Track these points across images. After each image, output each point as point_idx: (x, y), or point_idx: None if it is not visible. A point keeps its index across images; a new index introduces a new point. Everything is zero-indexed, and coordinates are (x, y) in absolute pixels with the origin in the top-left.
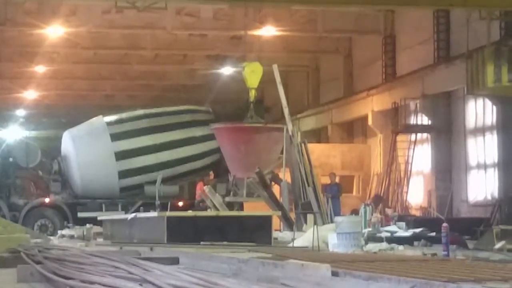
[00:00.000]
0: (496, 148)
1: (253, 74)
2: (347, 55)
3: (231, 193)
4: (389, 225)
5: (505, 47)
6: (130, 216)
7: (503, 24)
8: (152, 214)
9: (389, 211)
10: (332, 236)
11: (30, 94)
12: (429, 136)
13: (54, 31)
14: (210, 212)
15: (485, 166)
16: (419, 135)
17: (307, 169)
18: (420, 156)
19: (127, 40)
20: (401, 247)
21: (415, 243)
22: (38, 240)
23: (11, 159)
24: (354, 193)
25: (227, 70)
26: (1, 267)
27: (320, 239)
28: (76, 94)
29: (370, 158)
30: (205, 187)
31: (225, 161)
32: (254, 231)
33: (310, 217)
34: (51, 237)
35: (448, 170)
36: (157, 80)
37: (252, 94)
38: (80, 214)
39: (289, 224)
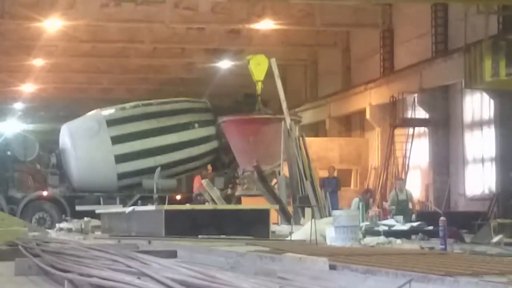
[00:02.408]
0: (493, 142)
1: (259, 67)
2: (345, 49)
3: (242, 187)
4: (387, 219)
5: (503, 41)
6: (128, 209)
7: (501, 18)
8: (150, 207)
9: (386, 205)
10: (330, 230)
11: (28, 88)
12: (426, 130)
13: (52, 24)
14: (208, 206)
15: (482, 160)
16: (416, 129)
17: (305, 163)
18: (418, 150)
19: (125, 34)
20: (398, 241)
21: (413, 236)
22: (36, 233)
23: (9, 153)
24: (352, 186)
25: (225, 64)
26: None
27: (317, 233)
28: (74, 88)
29: (368, 152)
30: (203, 181)
31: (225, 155)
32: (252, 225)
33: (308, 210)
34: (49, 230)
35: (446, 164)
36: (155, 74)
37: (259, 87)
38: (78, 208)
39: (287, 218)
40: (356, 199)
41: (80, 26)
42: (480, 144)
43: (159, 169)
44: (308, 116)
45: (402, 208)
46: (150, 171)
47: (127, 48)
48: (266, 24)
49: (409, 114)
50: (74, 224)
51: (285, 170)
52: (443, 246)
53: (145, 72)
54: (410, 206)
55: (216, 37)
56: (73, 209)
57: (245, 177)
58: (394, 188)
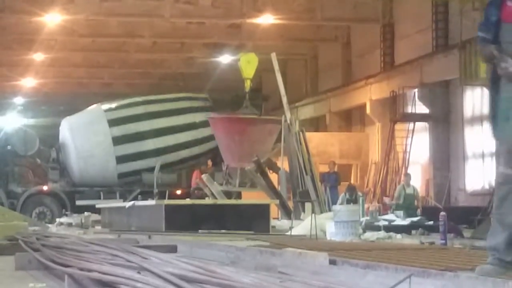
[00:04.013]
0: None
1: (248, 65)
2: (346, 44)
3: (224, 182)
4: (387, 214)
5: None
6: (128, 204)
7: None
8: (150, 202)
9: (387, 200)
10: (330, 225)
11: (29, 82)
12: (427, 125)
13: (52, 19)
14: (208, 201)
15: (483, 155)
16: (417, 124)
17: (305, 158)
18: (418, 145)
19: (125, 28)
20: (398, 236)
21: (413, 231)
22: (36, 228)
23: (9, 147)
24: (352, 181)
25: (225, 59)
26: None
27: (318, 228)
28: (74, 82)
29: (368, 147)
30: (203, 176)
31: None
32: (252, 220)
33: (308, 205)
34: (49, 225)
35: (446, 159)
36: (155, 68)
37: (248, 84)
38: (78, 202)
39: (287, 213)
40: (342, 194)
41: (80, 20)
42: (480, 139)
43: (159, 163)
44: (308, 111)
45: (409, 202)
46: (148, 154)
47: (127, 43)
48: (267, 19)
49: (410, 109)
50: (74, 218)
51: (284, 165)
52: (443, 241)
53: (145, 67)
54: (416, 202)
55: (216, 32)
56: (73, 204)
57: (246, 172)
58: (402, 183)
